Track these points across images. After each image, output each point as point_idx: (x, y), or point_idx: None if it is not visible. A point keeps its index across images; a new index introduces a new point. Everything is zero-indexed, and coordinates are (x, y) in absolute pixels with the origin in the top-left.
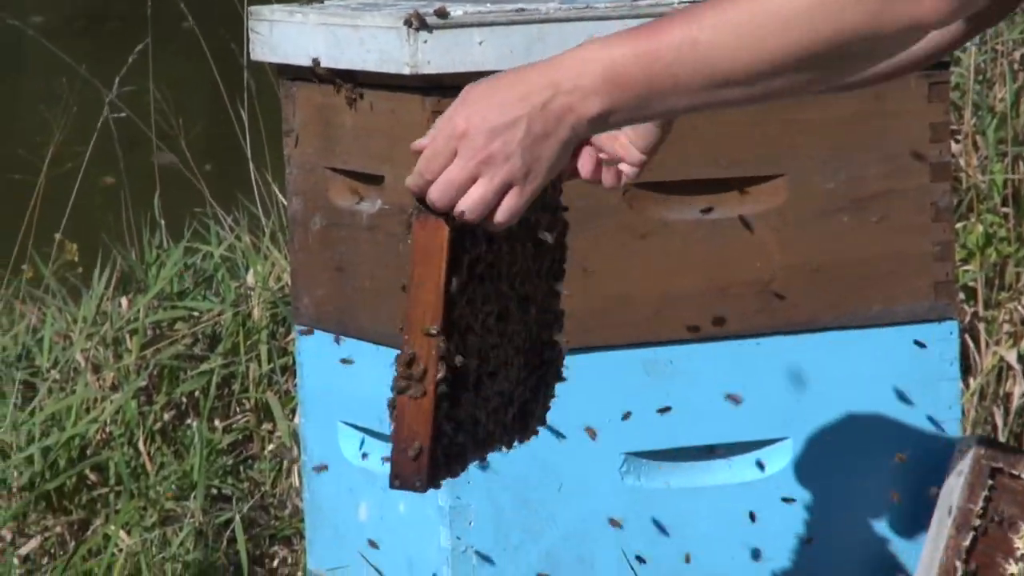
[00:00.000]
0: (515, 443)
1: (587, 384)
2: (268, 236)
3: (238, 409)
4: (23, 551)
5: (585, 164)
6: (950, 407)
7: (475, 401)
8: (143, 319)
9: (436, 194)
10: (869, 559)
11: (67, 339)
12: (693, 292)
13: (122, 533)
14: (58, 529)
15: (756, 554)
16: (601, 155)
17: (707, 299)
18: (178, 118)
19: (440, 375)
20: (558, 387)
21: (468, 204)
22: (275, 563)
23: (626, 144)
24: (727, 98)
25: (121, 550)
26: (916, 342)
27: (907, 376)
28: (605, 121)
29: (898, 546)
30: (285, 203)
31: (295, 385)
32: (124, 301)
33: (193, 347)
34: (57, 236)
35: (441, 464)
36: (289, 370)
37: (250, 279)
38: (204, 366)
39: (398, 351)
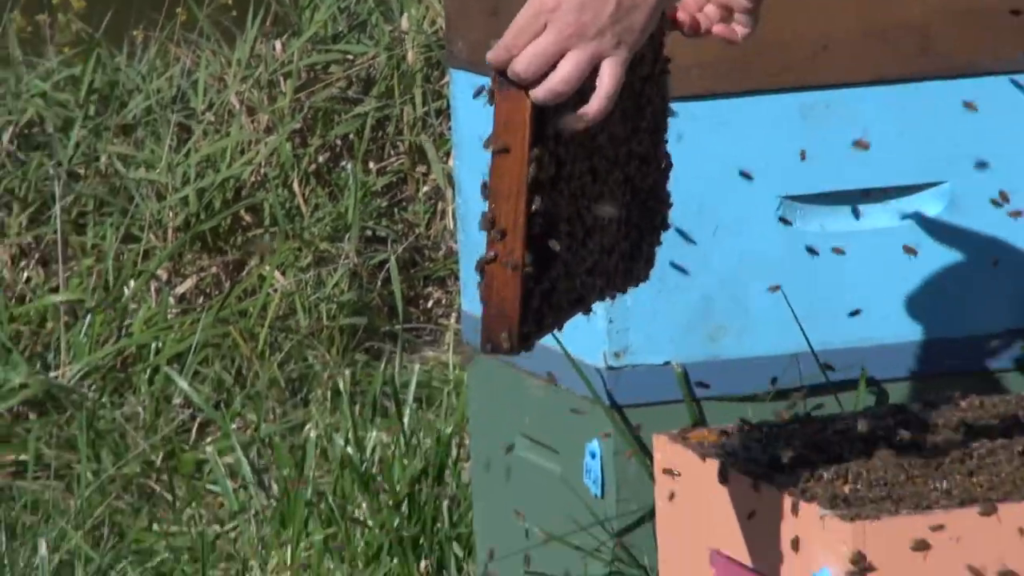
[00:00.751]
0: (617, 293)
1: (744, 127)
2: None
3: (392, 152)
4: (179, 290)
5: (686, 20)
6: None
7: (568, 261)
8: (297, 62)
9: (522, 66)
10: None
11: (221, 82)
12: (851, 36)
13: (277, 273)
14: (213, 269)
15: (909, 296)
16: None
17: (865, 43)
18: None
19: (526, 245)
20: (716, 130)
21: (560, 77)
22: (429, 304)
23: None
24: None
25: (276, 290)
26: None
27: None
28: None
29: None
30: None
31: (449, 128)
32: (278, 44)
33: (347, 90)
34: None
35: (532, 327)
36: (443, 113)
37: (404, 23)
38: (358, 109)
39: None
